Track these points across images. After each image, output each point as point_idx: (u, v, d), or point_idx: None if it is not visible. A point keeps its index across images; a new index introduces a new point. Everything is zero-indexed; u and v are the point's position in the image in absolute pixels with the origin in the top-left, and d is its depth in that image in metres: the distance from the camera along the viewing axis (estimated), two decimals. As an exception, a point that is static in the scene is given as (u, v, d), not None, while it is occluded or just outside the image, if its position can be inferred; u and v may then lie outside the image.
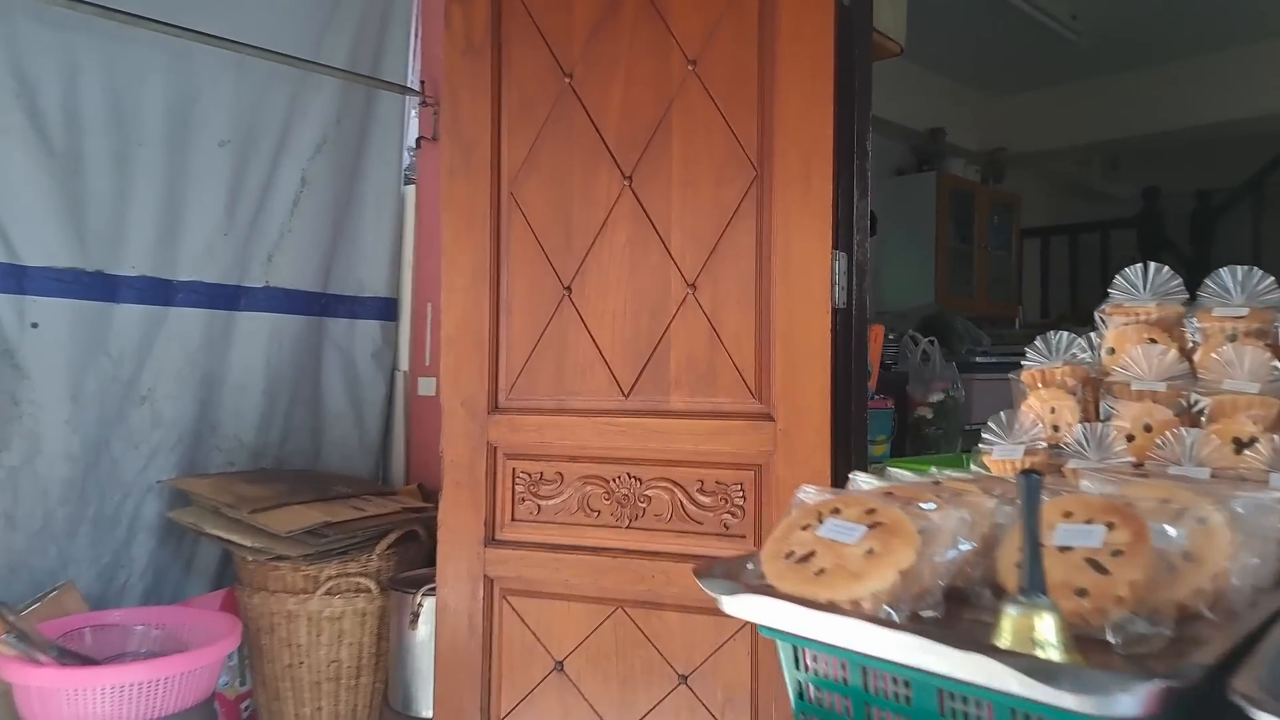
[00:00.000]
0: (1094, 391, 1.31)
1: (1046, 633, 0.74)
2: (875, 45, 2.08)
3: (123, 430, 2.57)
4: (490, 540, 2.18)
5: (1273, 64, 4.15)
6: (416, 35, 3.12)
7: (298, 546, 2.49)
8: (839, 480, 1.89)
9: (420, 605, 2.53)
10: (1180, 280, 1.29)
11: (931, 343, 2.45)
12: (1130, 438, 1.22)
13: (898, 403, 2.29)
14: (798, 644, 0.90)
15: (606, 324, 2.07)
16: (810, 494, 1.00)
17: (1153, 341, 1.25)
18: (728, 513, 1.98)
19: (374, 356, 3.10)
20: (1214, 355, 1.17)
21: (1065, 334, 1.35)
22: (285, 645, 2.60)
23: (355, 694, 2.70)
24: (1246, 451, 1.12)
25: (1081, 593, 0.83)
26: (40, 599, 2.32)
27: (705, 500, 2.00)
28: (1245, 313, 1.19)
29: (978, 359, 3.30)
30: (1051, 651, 0.73)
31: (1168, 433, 1.17)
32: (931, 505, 0.92)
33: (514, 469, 2.17)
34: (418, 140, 3.09)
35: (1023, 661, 0.72)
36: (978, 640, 0.76)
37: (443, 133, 2.24)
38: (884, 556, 0.85)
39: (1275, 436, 1.07)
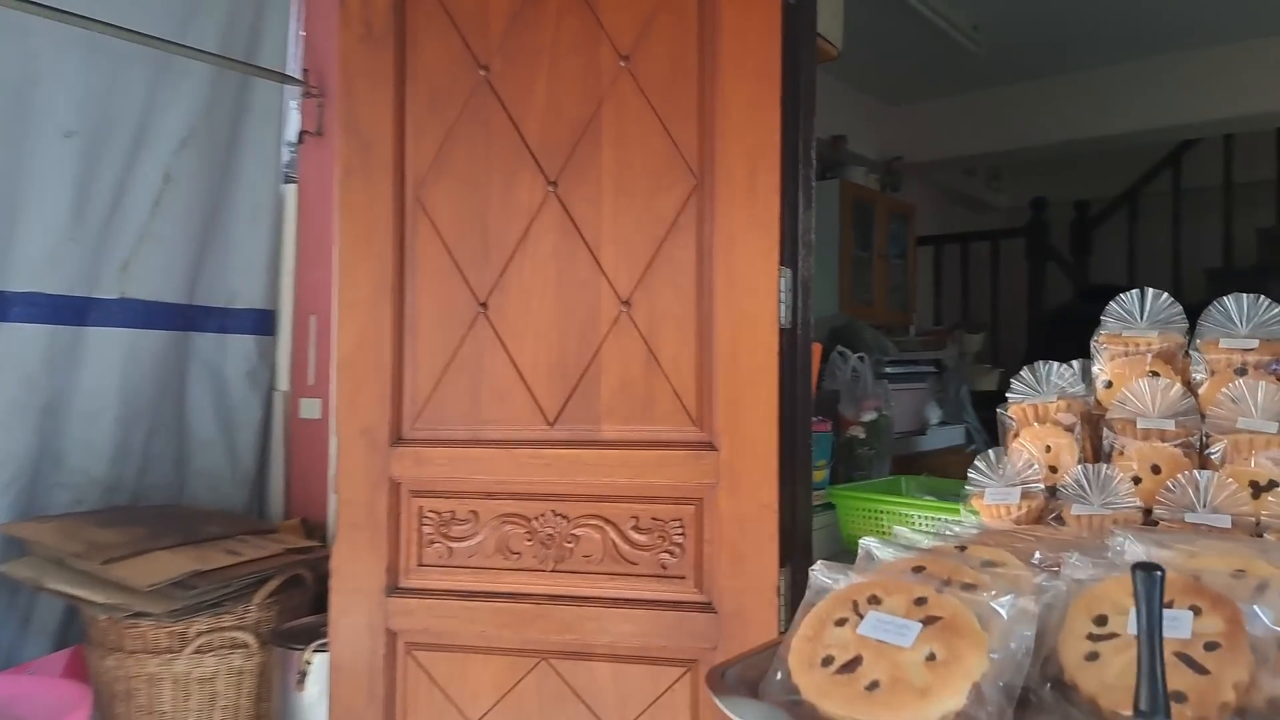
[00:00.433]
0: (1092, 429, 1.20)
1: (1177, 769, 0.60)
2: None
3: (-62, 470, 2.17)
4: (393, 589, 1.93)
5: (1148, 81, 4.34)
6: (299, 18, 2.80)
7: (161, 601, 2.15)
8: (788, 514, 1.75)
9: (309, 662, 2.24)
10: (1180, 308, 1.20)
11: (861, 359, 2.36)
12: (1137, 480, 1.12)
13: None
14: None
15: (528, 345, 1.86)
16: (830, 575, 0.83)
17: (1155, 374, 1.15)
18: (665, 551, 1.80)
19: (248, 375, 2.75)
20: (1224, 391, 1.09)
21: (1054, 364, 1.25)
22: (146, 714, 2.25)
23: (232, 764, 2.37)
24: (1266, 496, 1.04)
25: (1179, 697, 0.69)
26: None
27: (640, 538, 1.82)
28: (1255, 345, 1.12)
29: (887, 369, 3.26)
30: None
31: (1179, 476, 1.07)
32: (985, 591, 0.77)
33: (421, 507, 1.93)
34: (300, 135, 2.77)
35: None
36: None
37: (338, 128, 1.97)
38: (951, 664, 0.69)
39: (1300, 482, 0.99)
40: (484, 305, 1.87)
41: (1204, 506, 1.05)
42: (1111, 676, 0.74)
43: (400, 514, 1.94)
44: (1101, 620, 0.78)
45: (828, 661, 0.74)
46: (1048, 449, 1.20)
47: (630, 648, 1.81)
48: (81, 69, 2.33)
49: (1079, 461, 1.17)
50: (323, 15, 2.72)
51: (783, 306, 1.74)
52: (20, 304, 2.28)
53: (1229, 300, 1.16)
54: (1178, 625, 0.74)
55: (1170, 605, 0.76)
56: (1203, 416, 1.13)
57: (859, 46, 3.76)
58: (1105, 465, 1.13)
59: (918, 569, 0.86)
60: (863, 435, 2.28)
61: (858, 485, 2.06)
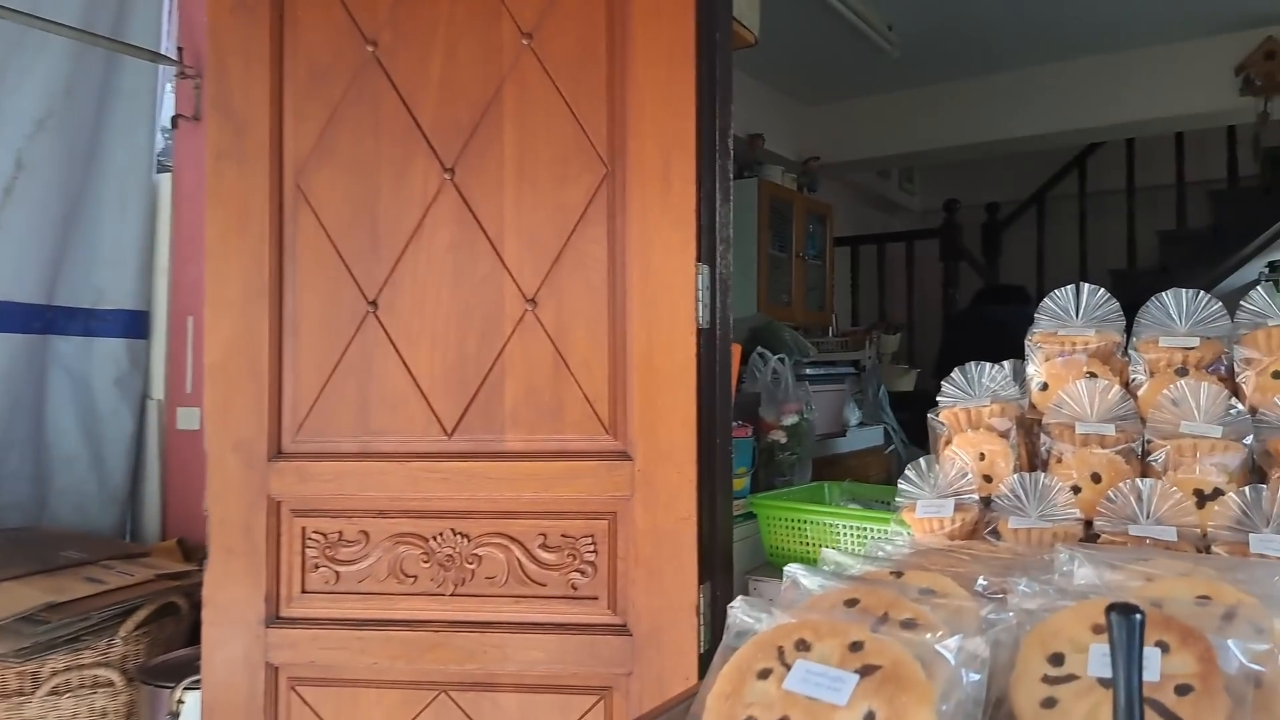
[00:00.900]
0: (1027, 434, 1.12)
1: None
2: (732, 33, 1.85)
3: None
4: (273, 619, 1.74)
5: (1056, 85, 4.43)
6: (172, -10, 2.57)
7: (9, 639, 1.91)
8: (707, 527, 1.64)
9: (181, 702, 2.02)
10: (1117, 304, 1.13)
11: (782, 360, 2.28)
12: (1077, 489, 1.04)
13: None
14: None
15: (424, 347, 1.69)
16: (751, 614, 0.71)
17: (1092, 375, 1.08)
18: (576, 571, 1.67)
19: (117, 383, 2.50)
20: (1165, 393, 1.02)
21: (985, 365, 1.16)
22: (-8, 766, 2.00)
23: (94, 818, 2.13)
24: (1212, 505, 0.96)
25: (1153, 752, 0.59)
26: None
27: (549, 557, 1.67)
28: (1196, 344, 1.05)
29: (807, 371, 3.19)
30: None
31: (1121, 485, 0.99)
32: (927, 631, 0.66)
33: (304, 528, 1.75)
34: (174, 119, 2.53)
35: None
36: None
37: (207, 107, 1.77)
38: (896, 726, 0.58)
39: (1246, 489, 0.92)
40: (373, 304, 1.70)
41: (1147, 518, 0.97)
42: (1074, 727, 0.63)
43: (281, 536, 1.75)
44: (1058, 659, 0.68)
45: (751, 725, 0.61)
46: (981, 456, 1.11)
47: (538, 676, 1.67)
48: (-89, 38, 2.07)
49: (1014, 470, 1.08)
50: (200, -11, 2.50)
51: (700, 305, 1.62)
52: None
53: (1168, 296, 1.09)
54: (1145, 666, 0.64)
55: (1138, 641, 0.66)
56: (1142, 420, 1.06)
57: (776, 44, 3.71)
58: (1042, 474, 1.04)
59: (851, 602, 0.74)
60: (784, 439, 2.19)
61: (780, 494, 1.96)
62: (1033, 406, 1.15)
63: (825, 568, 0.86)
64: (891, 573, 0.83)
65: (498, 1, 1.67)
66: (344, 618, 1.72)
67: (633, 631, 1.63)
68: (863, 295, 5.77)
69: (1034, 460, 1.11)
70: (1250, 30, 3.95)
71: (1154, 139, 4.99)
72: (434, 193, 1.69)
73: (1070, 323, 1.13)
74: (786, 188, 4.57)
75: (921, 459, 1.12)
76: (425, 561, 1.71)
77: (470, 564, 1.69)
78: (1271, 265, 4.02)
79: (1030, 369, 1.16)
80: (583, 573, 1.66)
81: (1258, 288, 1.05)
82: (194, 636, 2.08)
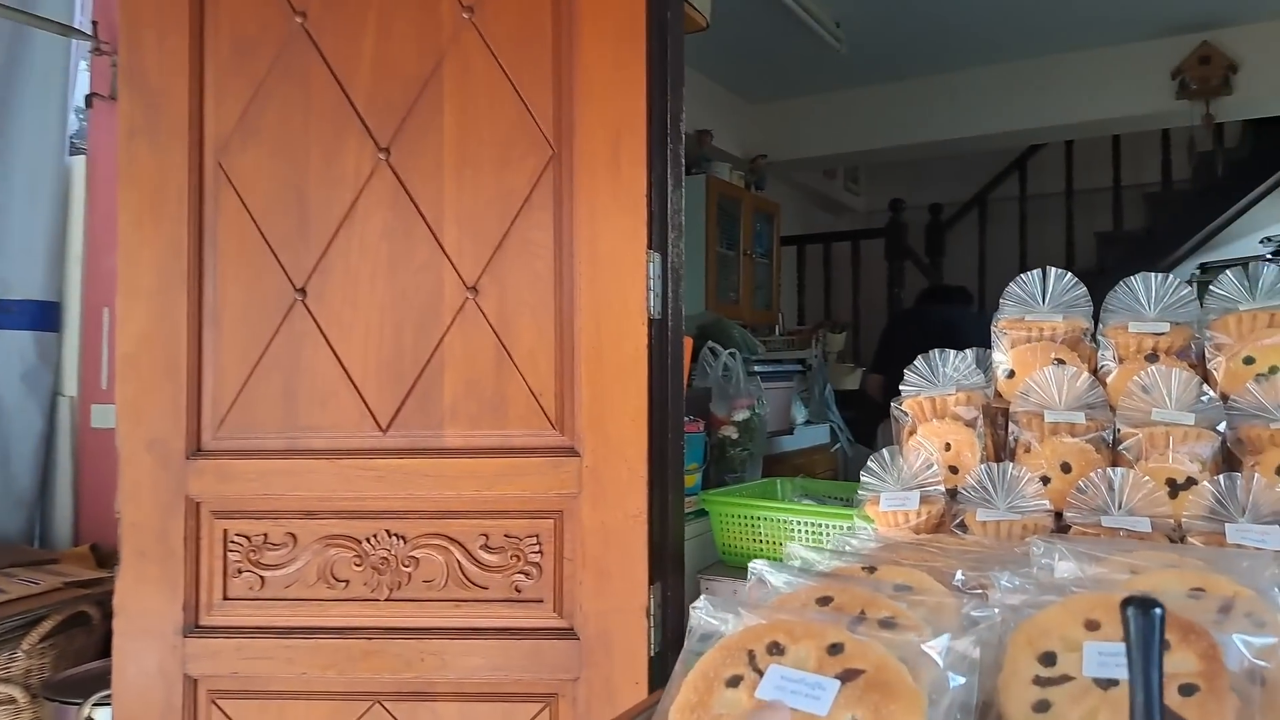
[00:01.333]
0: (993, 423, 1.08)
1: None
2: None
3: None
4: (192, 627, 1.62)
5: (998, 86, 4.48)
6: (85, -42, 2.40)
7: (-106, 656, 1.75)
8: (658, 525, 1.57)
9: (90, 718, 1.88)
10: (1084, 289, 1.09)
11: (733, 355, 2.22)
12: (1046, 479, 1.00)
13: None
14: None
15: (356, 338, 1.59)
16: (716, 615, 0.64)
17: (1060, 362, 1.04)
18: (520, 572, 1.58)
19: (25, 378, 2.33)
20: (1135, 380, 0.98)
21: (949, 353, 1.11)
22: (-123, 795, 1.83)
23: None
24: (1186, 495, 0.93)
25: (1156, 759, 0.54)
26: None
27: (491, 559, 1.59)
28: (1167, 329, 1.01)
29: (755, 368, 3.15)
30: None
31: (1092, 475, 0.95)
32: (910, 631, 0.60)
33: (226, 531, 1.63)
34: (88, 98, 2.37)
35: None
36: None
37: (120, 81, 1.64)
38: (883, 739, 0.51)
39: (1221, 478, 0.88)
40: (302, 292, 1.59)
41: (1119, 508, 0.93)
42: (1070, 734, 0.58)
43: (200, 539, 1.63)
44: (1049, 659, 0.63)
45: (719, 740, 0.54)
46: (947, 446, 1.06)
47: (480, 683, 1.58)
48: None
49: (981, 460, 1.04)
50: (118, -42, 2.34)
51: (651, 295, 1.56)
52: None
53: (1136, 280, 1.06)
54: (1147, 665, 0.58)
55: (1132, 639, 0.61)
56: (1112, 408, 1.02)
57: (724, 38, 3.67)
58: (1010, 464, 1.00)
59: (824, 600, 0.68)
60: (735, 435, 2.13)
61: (733, 490, 1.91)
62: (999, 395, 1.11)
63: (792, 563, 0.80)
64: (864, 568, 0.77)
65: (437, -28, 1.58)
66: (270, 625, 1.61)
67: (580, 635, 1.55)
68: (809, 294, 5.78)
69: (1001, 450, 1.07)
70: (1186, 35, 4.05)
71: (1092, 142, 5.09)
72: (368, 174, 1.59)
73: (1037, 308, 1.09)
74: (734, 185, 4.54)
75: (885, 449, 1.07)
76: (358, 565, 1.61)
77: (407, 567, 1.60)
78: (1203, 266, 4.12)
79: (997, 355, 1.11)
80: (527, 574, 1.58)
81: (1227, 271, 1.02)
82: (106, 649, 1.94)
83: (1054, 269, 1.10)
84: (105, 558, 2.30)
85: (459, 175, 1.58)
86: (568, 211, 1.56)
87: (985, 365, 1.13)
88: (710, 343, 2.29)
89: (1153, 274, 1.05)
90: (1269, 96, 4.03)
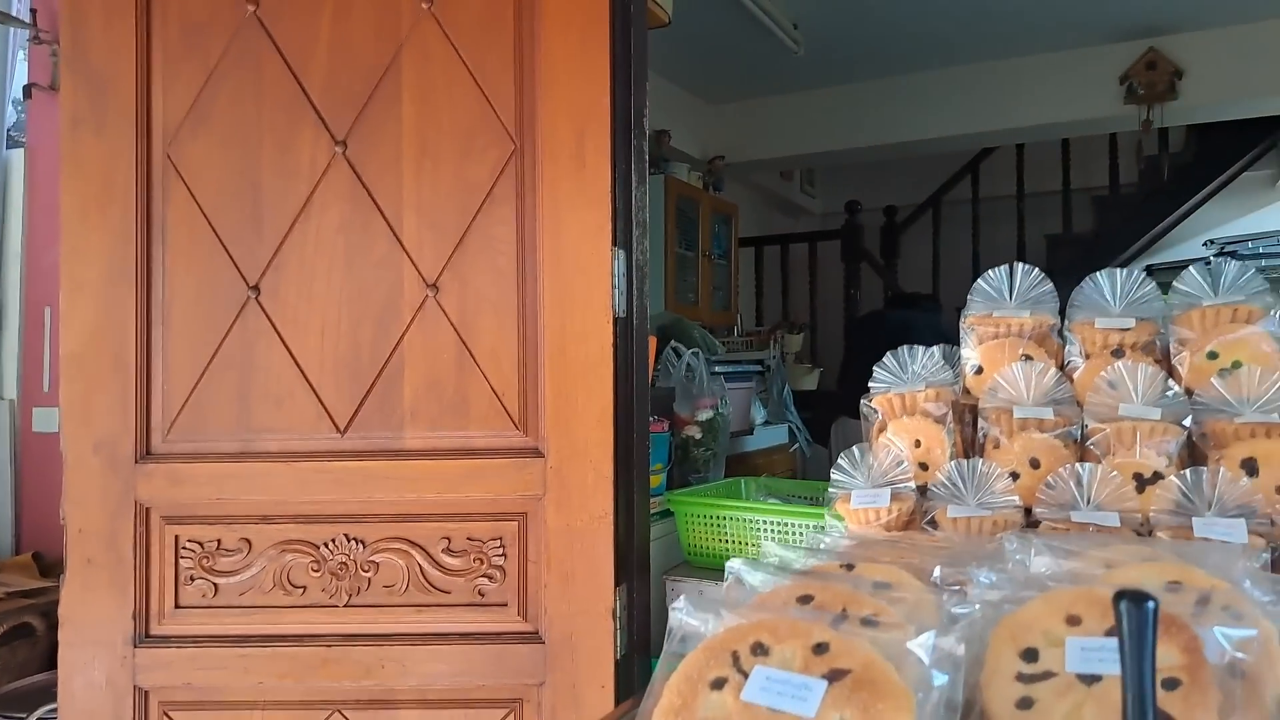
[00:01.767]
0: (961, 419, 1.08)
1: None
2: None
3: None
4: (143, 637, 1.56)
5: (952, 89, 4.55)
6: (23, -58, 2.31)
7: None
8: (623, 527, 1.55)
9: (35, 733, 1.81)
10: (1051, 285, 1.10)
11: (696, 355, 2.21)
12: (1015, 475, 1.00)
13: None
14: None
15: (313, 337, 1.55)
16: (697, 615, 0.62)
17: (1028, 358, 1.04)
18: (483, 576, 1.55)
19: (-39, 381, 2.23)
20: (1102, 375, 0.99)
21: (917, 349, 1.11)
22: None
23: None
24: (1154, 489, 0.94)
25: (1141, 755, 0.54)
26: None
27: (453, 562, 1.56)
28: (1132, 325, 1.02)
29: (716, 369, 3.14)
30: None
31: (1060, 470, 0.96)
32: (894, 629, 0.59)
33: (178, 537, 1.58)
34: (27, 89, 2.28)
35: None
36: None
37: (63, 67, 1.58)
38: (872, 739, 0.50)
39: (1188, 472, 0.89)
40: (255, 289, 1.54)
41: (1088, 503, 0.94)
42: (1054, 730, 0.57)
43: (150, 545, 1.57)
44: (1031, 655, 0.62)
45: (704, 744, 0.53)
46: (917, 443, 1.06)
47: (442, 690, 1.55)
48: None
49: (951, 456, 1.04)
50: (59, -57, 2.26)
51: (616, 292, 1.54)
52: None
53: (1101, 276, 1.06)
54: (1128, 659, 0.58)
55: (1113, 632, 0.61)
56: (1079, 404, 1.03)
57: (682, 38, 3.67)
58: (980, 460, 1.00)
59: (804, 599, 0.67)
60: (699, 435, 2.12)
61: (698, 490, 1.90)
62: (967, 391, 1.11)
63: (768, 562, 0.79)
64: (842, 566, 0.76)
65: (396, -39, 1.54)
66: (224, 634, 1.56)
67: (545, 639, 1.53)
68: (766, 296, 5.80)
69: (970, 447, 1.07)
70: (1134, 41, 4.15)
71: (1042, 146, 5.19)
72: (323, 167, 1.55)
73: (1004, 304, 1.10)
74: (693, 186, 4.54)
75: (855, 447, 1.06)
76: (316, 570, 1.56)
77: (366, 572, 1.56)
78: (1149, 268, 4.23)
79: (965, 352, 1.12)
80: (490, 578, 1.55)
81: (1190, 268, 1.04)
82: (51, 661, 1.86)
83: (1022, 264, 1.10)
84: (49, 567, 2.21)
85: (418, 168, 1.55)
86: (530, 206, 1.53)
87: (954, 362, 1.13)
88: (673, 343, 2.28)
89: (1118, 270, 1.06)
90: (1213, 101, 4.15)
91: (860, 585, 0.70)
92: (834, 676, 0.54)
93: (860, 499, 1.03)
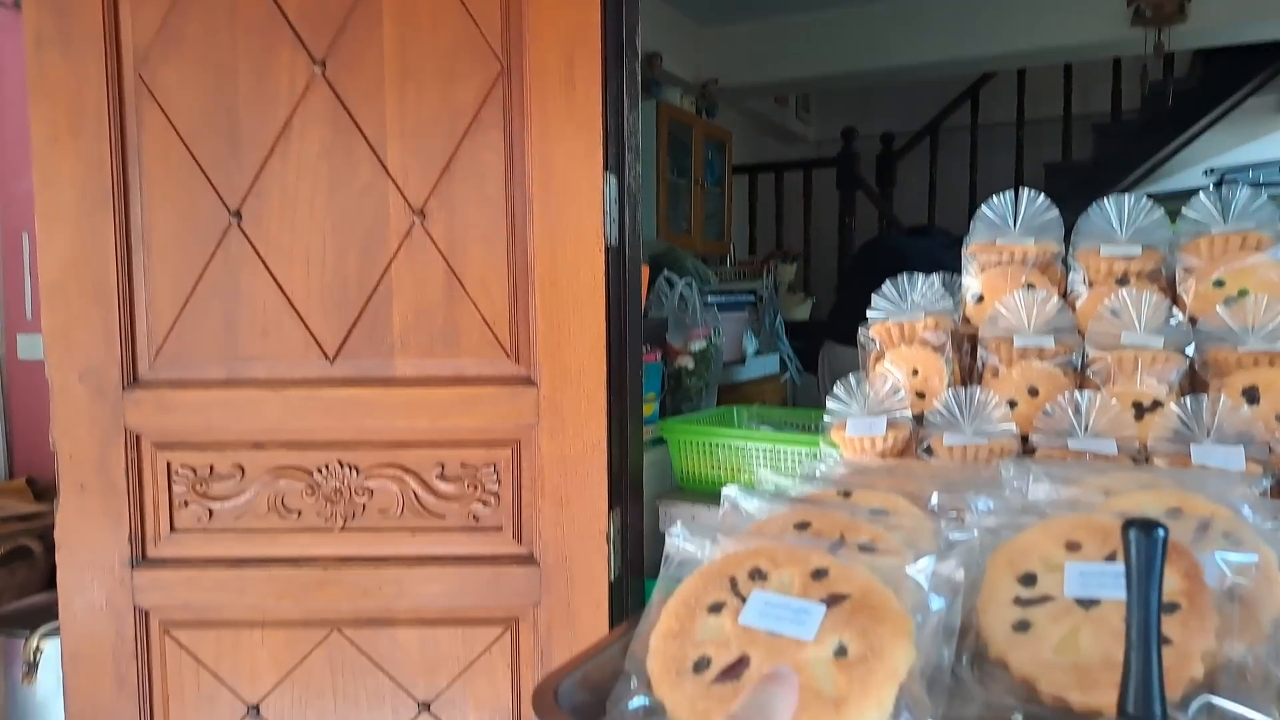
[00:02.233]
0: (960, 348, 1.07)
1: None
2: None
3: None
4: (140, 560, 1.57)
5: (952, 12, 4.40)
6: None
7: None
8: (617, 454, 1.55)
9: (39, 651, 1.84)
10: (1056, 212, 1.07)
11: (689, 284, 2.19)
12: (1013, 403, 0.99)
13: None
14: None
15: (297, 265, 1.52)
16: (693, 541, 0.62)
17: (1031, 287, 1.02)
18: (478, 501, 1.56)
19: (-57, 309, 2.20)
20: (1105, 303, 0.97)
21: (918, 277, 1.10)
22: None
23: (-62, 786, 1.94)
24: (1152, 418, 0.93)
25: (1136, 678, 0.54)
26: None
27: (447, 488, 1.56)
28: (1139, 252, 1.01)
29: (709, 299, 3.12)
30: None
31: (1059, 398, 0.95)
32: (893, 554, 0.59)
33: (170, 463, 1.57)
34: (-5, 2, 2.19)
35: None
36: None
37: (27, -19, 1.50)
38: (871, 662, 0.50)
39: (1187, 400, 0.89)
40: (237, 215, 1.50)
41: (1085, 431, 0.93)
42: (1050, 651, 0.58)
43: (143, 471, 1.57)
44: (1029, 580, 0.62)
45: (702, 665, 0.53)
46: (915, 372, 1.05)
47: (439, 610, 1.58)
48: None
49: (949, 385, 1.03)
50: None
51: (608, 220, 1.51)
52: None
53: (1108, 203, 1.04)
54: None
55: (1112, 558, 0.61)
56: (1080, 333, 1.02)
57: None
58: (978, 389, 0.99)
59: (801, 525, 0.67)
60: (691, 365, 2.12)
61: (692, 418, 1.90)
62: (967, 320, 1.10)
63: (764, 489, 0.79)
64: (839, 493, 0.75)
65: None
66: (221, 557, 1.58)
67: (540, 562, 1.54)
68: (760, 225, 5.73)
69: (968, 376, 1.06)
70: (1141, -39, 4.01)
71: (1043, 72, 5.07)
72: (302, 89, 1.49)
73: (1007, 232, 1.08)
74: (686, 111, 4.44)
75: (852, 375, 1.05)
76: (310, 495, 1.57)
77: (361, 497, 1.56)
78: (1147, 197, 4.17)
79: (966, 280, 1.10)
80: (485, 503, 1.56)
81: (1200, 194, 1.02)
82: (51, 581, 1.89)
83: (1027, 191, 1.08)
84: (42, 491, 2.22)
85: (401, 91, 1.50)
86: (518, 130, 1.49)
87: (954, 291, 1.12)
88: (666, 272, 2.25)
89: (1125, 196, 1.03)
90: (1223, 24, 4.03)
91: (857, 512, 0.70)
92: (832, 601, 0.54)
93: (856, 427, 1.02)
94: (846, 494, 0.74)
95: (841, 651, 0.51)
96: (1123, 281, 1.00)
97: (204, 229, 1.51)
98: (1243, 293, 0.95)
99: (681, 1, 4.60)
